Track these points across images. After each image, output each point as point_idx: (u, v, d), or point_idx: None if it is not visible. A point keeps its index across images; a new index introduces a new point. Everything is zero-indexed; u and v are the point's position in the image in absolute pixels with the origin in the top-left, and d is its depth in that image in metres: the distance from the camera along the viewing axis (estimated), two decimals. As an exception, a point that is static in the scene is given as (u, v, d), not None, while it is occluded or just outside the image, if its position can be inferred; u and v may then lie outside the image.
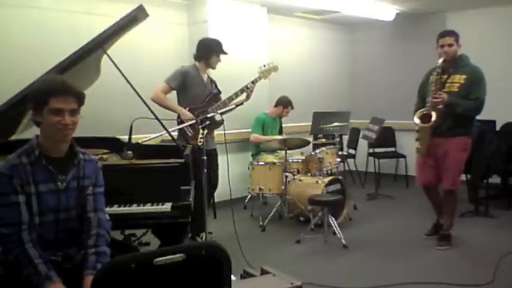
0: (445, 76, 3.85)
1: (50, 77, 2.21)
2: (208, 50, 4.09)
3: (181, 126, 3.85)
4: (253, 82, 4.18)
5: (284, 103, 5.52)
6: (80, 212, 2.07)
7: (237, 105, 3.78)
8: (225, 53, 4.16)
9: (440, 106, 3.74)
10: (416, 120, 3.84)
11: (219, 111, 3.69)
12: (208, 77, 4.22)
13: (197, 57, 4.13)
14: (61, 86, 1.93)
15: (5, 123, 2.81)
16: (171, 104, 4.00)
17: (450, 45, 3.81)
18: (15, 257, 1.85)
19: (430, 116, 3.76)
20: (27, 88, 2.60)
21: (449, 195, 4.02)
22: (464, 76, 3.80)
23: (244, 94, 4.15)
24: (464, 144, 3.91)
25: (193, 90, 4.04)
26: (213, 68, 4.16)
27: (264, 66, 4.33)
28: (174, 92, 4.11)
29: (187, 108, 3.96)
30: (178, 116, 3.99)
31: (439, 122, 3.77)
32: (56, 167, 1.98)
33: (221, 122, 3.77)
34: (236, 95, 4.09)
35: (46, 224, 1.96)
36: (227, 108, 3.72)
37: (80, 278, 1.91)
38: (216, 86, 4.23)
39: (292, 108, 5.59)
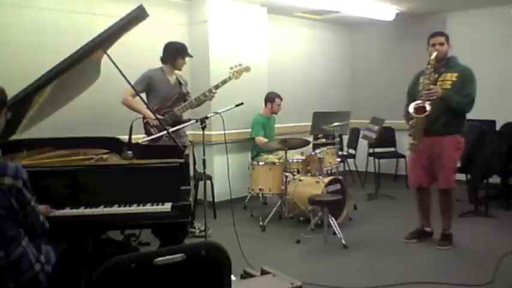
0: (436, 75, 3.86)
1: None
2: (175, 53, 4.24)
3: (183, 125, 3.87)
4: (222, 82, 4.23)
5: (270, 98, 5.53)
6: None
7: (236, 105, 3.78)
8: (190, 55, 4.34)
9: (434, 97, 3.71)
10: (411, 110, 3.77)
11: (219, 111, 3.69)
12: (177, 78, 4.33)
13: (164, 60, 4.28)
14: None
15: (5, 123, 2.80)
16: (138, 106, 4.11)
17: (441, 44, 3.87)
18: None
19: (424, 109, 3.73)
20: (27, 88, 2.60)
21: (445, 195, 4.02)
22: (456, 74, 3.84)
23: (212, 95, 4.21)
24: (457, 143, 3.92)
25: (160, 91, 4.19)
26: (180, 69, 4.34)
27: (236, 66, 4.31)
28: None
29: (154, 108, 4.01)
30: (144, 117, 4.11)
31: (432, 117, 3.73)
32: None
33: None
34: (204, 95, 4.20)
35: None
36: (226, 108, 3.73)
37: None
38: (185, 87, 4.35)
39: (281, 99, 5.53)
